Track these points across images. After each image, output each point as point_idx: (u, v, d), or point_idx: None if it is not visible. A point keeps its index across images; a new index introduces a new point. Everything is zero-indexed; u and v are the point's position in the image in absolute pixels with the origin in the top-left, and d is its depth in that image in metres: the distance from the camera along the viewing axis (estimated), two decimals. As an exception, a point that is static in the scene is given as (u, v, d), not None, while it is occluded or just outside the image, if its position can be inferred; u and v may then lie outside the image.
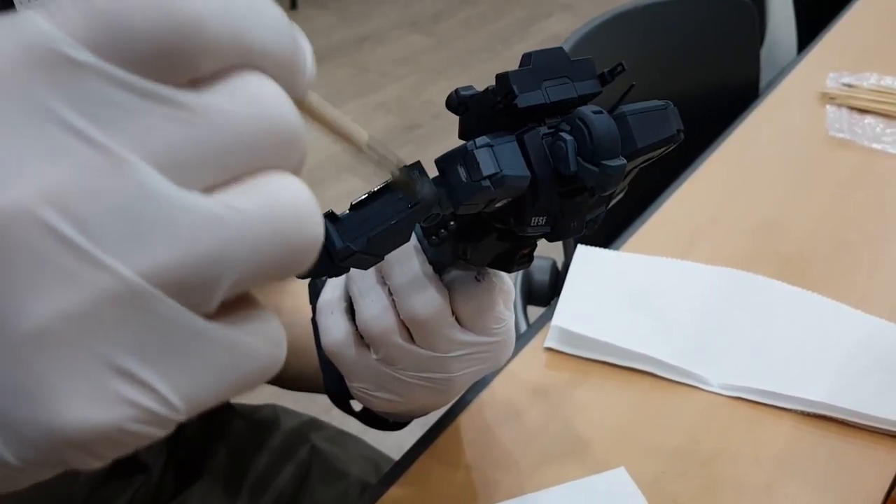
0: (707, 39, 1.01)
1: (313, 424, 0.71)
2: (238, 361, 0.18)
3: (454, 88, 0.37)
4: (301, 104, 0.20)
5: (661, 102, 0.38)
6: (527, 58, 0.36)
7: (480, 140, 0.33)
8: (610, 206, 0.41)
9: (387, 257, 0.41)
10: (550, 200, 0.35)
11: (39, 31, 0.16)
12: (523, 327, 0.77)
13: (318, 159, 2.37)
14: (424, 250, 0.41)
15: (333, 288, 0.44)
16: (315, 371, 0.48)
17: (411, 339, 0.41)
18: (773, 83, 0.98)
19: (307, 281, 0.47)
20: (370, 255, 0.33)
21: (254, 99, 0.18)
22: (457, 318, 0.41)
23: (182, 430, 0.68)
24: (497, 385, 0.57)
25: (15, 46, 0.16)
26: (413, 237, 0.41)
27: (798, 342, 0.60)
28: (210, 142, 0.17)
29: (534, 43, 3.08)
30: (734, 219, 0.75)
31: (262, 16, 0.18)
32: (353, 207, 0.33)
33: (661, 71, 0.97)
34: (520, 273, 0.81)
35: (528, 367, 0.59)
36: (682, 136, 0.38)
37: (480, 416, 0.54)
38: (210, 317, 0.18)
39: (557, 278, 0.82)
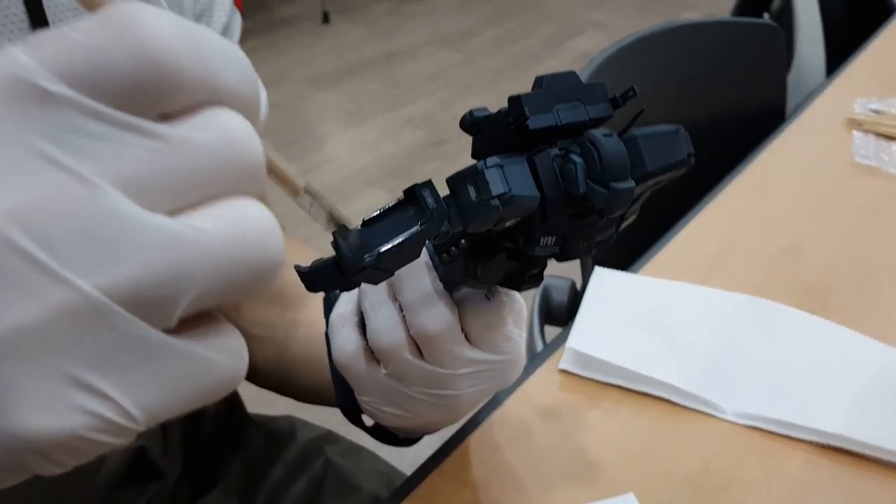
0: (734, 62, 1.01)
1: (329, 437, 0.72)
2: (196, 374, 0.19)
3: (475, 107, 0.38)
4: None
5: (672, 126, 0.38)
6: (539, 81, 0.36)
7: (491, 160, 0.34)
8: (621, 228, 0.41)
9: (398, 273, 0.42)
10: (559, 221, 0.35)
11: (19, 64, 0.17)
12: (540, 347, 0.77)
13: (344, 173, 2.39)
14: (436, 267, 0.42)
15: (346, 302, 0.45)
16: (329, 384, 0.49)
17: (420, 355, 0.42)
18: (799, 108, 0.97)
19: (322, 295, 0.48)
20: (380, 270, 0.33)
21: (223, 130, 0.19)
22: (466, 336, 0.42)
23: (199, 438, 0.69)
24: (509, 405, 0.57)
25: None
26: (425, 254, 0.42)
27: (815, 372, 0.59)
28: (178, 168, 0.18)
29: (563, 61, 3.09)
30: (755, 244, 0.75)
31: (231, 58, 0.20)
32: (365, 223, 0.34)
33: (686, 93, 0.97)
34: (538, 292, 0.81)
35: (541, 388, 0.59)
36: (693, 160, 0.39)
37: (491, 436, 0.54)
38: (171, 331, 0.19)
39: (576, 299, 0.82)
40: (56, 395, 0.18)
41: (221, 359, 0.20)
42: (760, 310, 0.65)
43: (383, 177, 2.35)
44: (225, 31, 0.57)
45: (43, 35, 0.18)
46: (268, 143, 0.22)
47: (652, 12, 3.55)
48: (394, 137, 2.55)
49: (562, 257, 0.38)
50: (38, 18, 0.42)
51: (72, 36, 0.18)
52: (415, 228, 0.33)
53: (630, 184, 0.34)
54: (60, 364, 0.17)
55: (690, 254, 0.73)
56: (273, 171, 0.24)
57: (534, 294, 0.81)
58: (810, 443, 0.55)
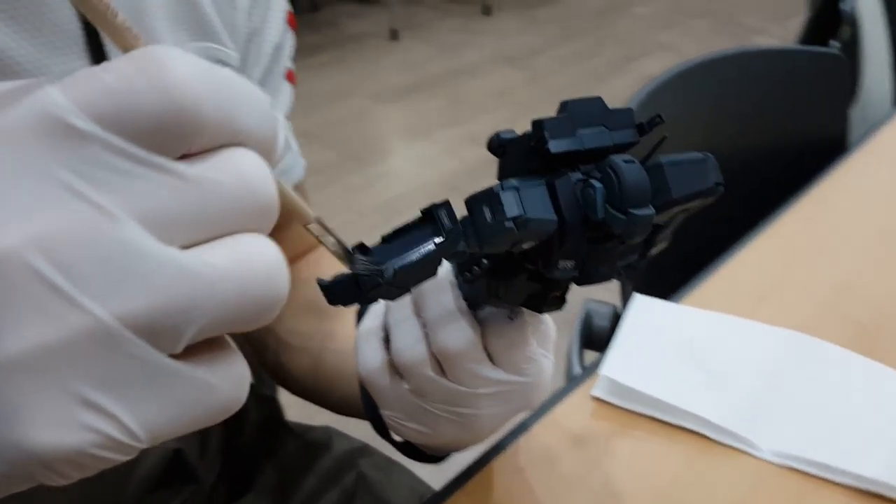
0: (797, 91, 0.98)
1: (364, 451, 0.72)
2: (199, 398, 0.20)
3: (502, 129, 0.38)
4: None
5: (700, 154, 0.38)
6: (564, 105, 0.36)
7: (508, 183, 0.34)
8: (651, 255, 0.41)
9: (421, 290, 0.42)
10: (578, 245, 0.35)
11: (52, 101, 0.19)
12: (577, 372, 0.76)
13: (404, 187, 2.41)
14: (459, 286, 0.42)
15: (374, 317, 0.45)
16: (359, 397, 0.50)
17: (442, 372, 0.42)
18: (862, 140, 0.94)
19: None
20: (396, 286, 0.33)
21: (239, 171, 0.20)
22: (488, 356, 0.42)
23: (238, 444, 0.71)
24: (537, 430, 0.56)
25: (30, 113, 0.19)
26: (449, 273, 0.42)
27: (858, 414, 0.57)
28: (194, 205, 0.20)
29: (627, 82, 3.06)
30: (807, 279, 0.72)
31: (252, 102, 0.21)
32: (384, 239, 0.34)
33: (745, 120, 0.95)
34: (579, 317, 0.80)
35: (572, 414, 0.58)
36: (722, 189, 0.38)
37: (516, 461, 0.54)
38: (178, 356, 0.20)
39: (618, 325, 0.81)
40: (65, 413, 0.19)
41: (223, 384, 0.21)
42: (805, 346, 0.63)
43: (443, 192, 2.36)
44: (276, 51, 0.58)
45: (77, 74, 0.19)
46: (281, 179, 0.24)
47: (723, 35, 3.50)
48: (455, 154, 2.57)
49: (581, 281, 0.38)
50: (92, 33, 0.44)
51: (103, 77, 0.19)
52: (430, 247, 0.33)
53: (649, 210, 0.34)
54: (71, 383, 0.19)
55: (738, 285, 0.72)
56: (285, 203, 0.25)
57: (574, 318, 0.80)
58: (848, 487, 0.53)
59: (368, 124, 2.83)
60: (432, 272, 0.34)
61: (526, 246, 0.35)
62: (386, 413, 0.45)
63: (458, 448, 0.48)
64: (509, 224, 0.33)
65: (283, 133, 0.21)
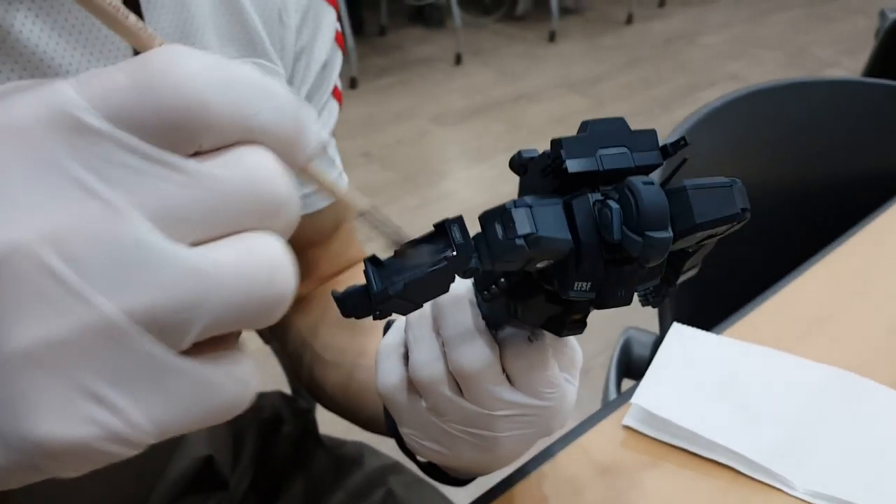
0: (857, 124, 0.96)
1: (395, 468, 0.72)
2: (204, 395, 0.20)
3: (524, 149, 0.38)
4: (305, 172, 0.23)
5: (727, 179, 0.37)
6: (584, 125, 0.36)
7: (521, 200, 0.34)
8: (679, 281, 0.40)
9: (441, 308, 0.42)
10: (595, 267, 0.35)
11: (66, 98, 0.19)
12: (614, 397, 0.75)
13: (460, 208, 2.42)
14: (479, 305, 0.41)
15: (396, 333, 0.45)
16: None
17: (460, 391, 0.42)
18: (926, 174, 0.91)
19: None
20: (406, 300, 0.33)
21: (247, 170, 0.20)
22: (508, 377, 0.41)
23: (272, 455, 0.72)
24: (562, 458, 0.55)
25: (44, 109, 0.19)
26: (469, 291, 0.42)
27: (903, 458, 0.55)
28: (203, 203, 0.20)
29: (691, 110, 3.02)
30: (857, 317, 0.70)
31: (268, 99, 0.21)
32: (396, 253, 0.34)
33: (799, 152, 0.93)
34: (618, 344, 0.79)
35: (601, 443, 0.57)
36: (748, 215, 0.37)
37: (540, 487, 0.53)
38: (185, 353, 0.20)
39: (659, 355, 0.79)
40: (72, 405, 0.19)
41: (228, 383, 0.21)
42: (849, 384, 0.60)
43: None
44: (324, 69, 0.60)
45: (91, 72, 0.20)
46: (332, 168, 0.24)
47: (793, 67, 3.42)
48: (511, 178, 2.54)
49: (598, 304, 0.37)
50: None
51: (116, 75, 0.20)
52: (442, 263, 0.33)
53: (667, 234, 0.33)
54: (79, 377, 0.19)
55: (784, 319, 0.70)
56: (335, 195, 0.25)
57: (614, 345, 0.79)
58: (888, 535, 0.50)
59: (428, 146, 2.86)
60: (444, 288, 0.34)
61: (541, 265, 0.35)
62: (404, 431, 0.45)
63: (480, 471, 0.47)
64: (520, 241, 0.32)
65: (321, 139, 0.21)
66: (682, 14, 4.29)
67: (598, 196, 0.34)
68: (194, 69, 0.20)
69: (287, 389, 0.83)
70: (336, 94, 0.64)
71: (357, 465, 0.72)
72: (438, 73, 3.44)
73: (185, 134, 0.20)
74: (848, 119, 0.98)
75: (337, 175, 0.65)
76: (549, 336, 0.42)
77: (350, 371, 0.59)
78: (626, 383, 0.78)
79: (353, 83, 3.23)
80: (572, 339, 0.44)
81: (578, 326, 0.40)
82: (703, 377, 0.61)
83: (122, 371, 0.19)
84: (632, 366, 0.77)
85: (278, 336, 0.71)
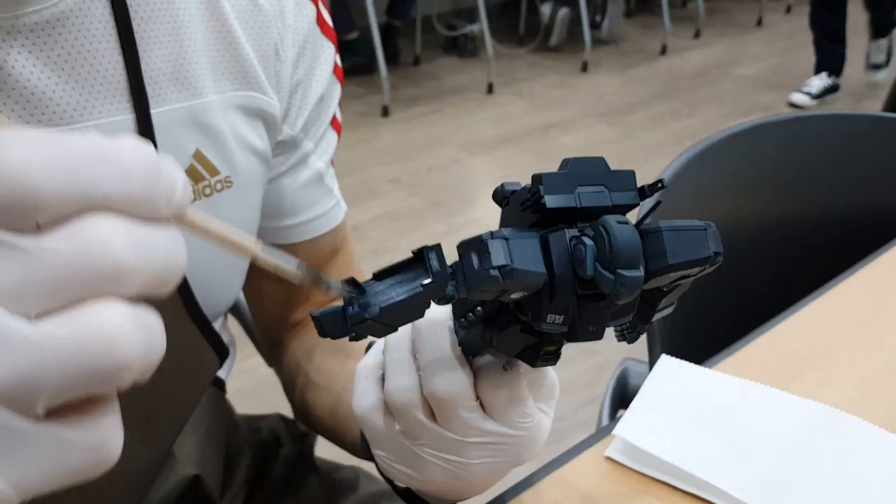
0: (858, 158, 0.95)
1: (389, 494, 0.73)
2: (60, 457, 0.22)
3: (507, 181, 0.40)
4: (182, 222, 0.24)
5: (701, 223, 0.38)
6: (565, 163, 0.37)
7: (498, 232, 0.35)
8: (655, 319, 0.41)
9: (420, 332, 0.43)
10: (568, 300, 0.36)
11: None
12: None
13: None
14: (456, 331, 0.42)
15: (374, 355, 0.46)
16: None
17: (433, 417, 0.42)
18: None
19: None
20: (382, 324, 0.34)
21: (83, 241, 0.21)
22: (482, 405, 0.42)
23: (266, 478, 0.73)
24: (544, 486, 0.56)
25: None
26: (448, 317, 0.43)
27: (888, 497, 0.54)
28: (39, 277, 0.21)
29: (724, 143, 3.00)
30: (853, 356, 0.69)
31: (107, 164, 0.22)
32: (375, 276, 0.35)
33: (800, 186, 0.93)
34: (614, 375, 0.79)
35: (583, 473, 0.57)
36: (721, 259, 0.38)
37: (516, 516, 0.54)
38: (42, 417, 0.21)
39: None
40: None
41: (85, 443, 0.22)
42: (839, 422, 0.60)
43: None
44: (321, 101, 0.62)
45: None
46: (209, 218, 0.25)
47: (827, 99, 3.39)
48: (538, 207, 2.57)
49: (570, 337, 0.38)
50: (136, 79, 0.48)
51: None
52: (418, 289, 0.34)
53: (638, 273, 0.34)
54: None
55: (777, 355, 0.69)
56: (222, 241, 0.26)
57: (610, 376, 0.79)
58: (865, 576, 0.50)
59: (457, 174, 2.88)
60: (420, 313, 0.35)
61: (515, 296, 0.36)
62: (377, 453, 0.46)
63: (454, 498, 0.48)
64: (494, 273, 0.34)
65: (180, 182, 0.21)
66: (718, 45, 4.29)
67: (574, 232, 0.35)
68: (23, 152, 0.20)
69: (289, 412, 0.85)
70: (335, 124, 0.66)
71: (351, 491, 0.73)
72: (470, 103, 3.48)
73: (18, 214, 0.20)
74: (854, 153, 0.97)
75: (334, 204, 0.67)
76: (524, 366, 0.42)
77: (339, 395, 0.61)
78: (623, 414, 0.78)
79: (385, 111, 3.27)
80: (550, 370, 0.45)
81: (552, 358, 0.41)
82: (688, 410, 0.61)
83: None
84: (627, 397, 0.77)
85: (277, 359, 0.73)
